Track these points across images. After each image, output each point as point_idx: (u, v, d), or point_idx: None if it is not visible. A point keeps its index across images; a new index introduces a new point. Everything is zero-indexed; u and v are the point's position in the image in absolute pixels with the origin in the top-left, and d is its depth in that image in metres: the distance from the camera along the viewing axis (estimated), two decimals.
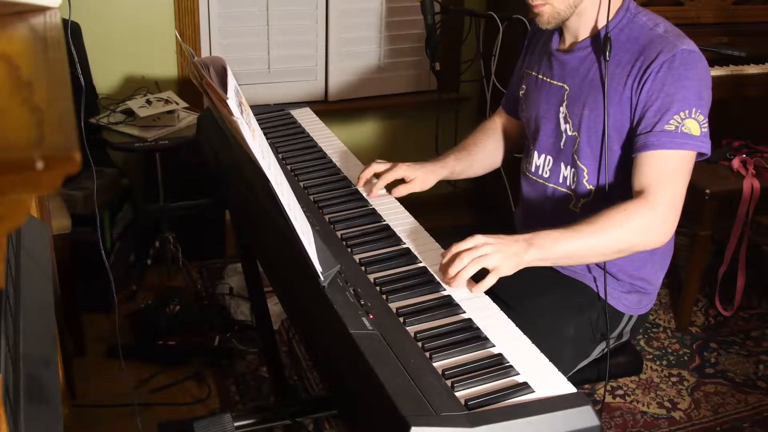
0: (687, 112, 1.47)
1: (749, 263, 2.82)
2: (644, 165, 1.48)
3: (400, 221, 1.53)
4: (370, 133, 3.47)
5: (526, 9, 1.64)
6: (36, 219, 1.34)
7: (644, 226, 1.45)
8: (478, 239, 1.34)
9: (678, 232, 1.58)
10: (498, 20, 2.64)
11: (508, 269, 1.35)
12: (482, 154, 1.88)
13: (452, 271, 1.30)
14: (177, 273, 2.94)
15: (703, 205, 2.58)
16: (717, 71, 2.94)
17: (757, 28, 3.04)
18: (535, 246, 1.38)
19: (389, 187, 1.68)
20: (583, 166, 1.62)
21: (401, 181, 1.72)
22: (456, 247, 1.33)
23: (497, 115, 1.95)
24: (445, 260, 1.33)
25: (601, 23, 1.58)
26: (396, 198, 1.65)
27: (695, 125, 1.47)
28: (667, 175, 1.47)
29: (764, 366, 2.61)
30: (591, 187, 1.63)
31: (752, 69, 2.99)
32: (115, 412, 2.23)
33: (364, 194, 1.64)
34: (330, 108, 3.31)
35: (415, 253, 1.40)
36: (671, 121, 1.47)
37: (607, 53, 1.53)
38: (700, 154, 1.52)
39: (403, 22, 3.35)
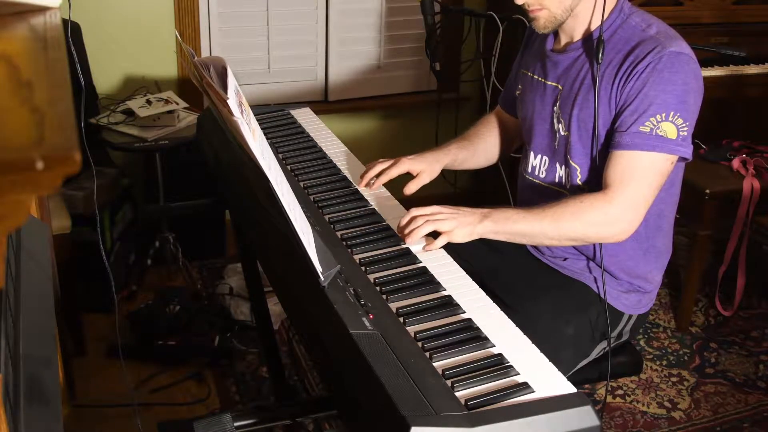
0: (664, 115, 1.47)
1: (749, 263, 2.82)
2: (613, 163, 1.50)
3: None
4: (370, 133, 3.47)
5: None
6: (36, 219, 1.34)
7: (596, 221, 1.48)
8: (436, 207, 1.47)
9: (678, 232, 1.58)
10: (498, 20, 2.64)
11: (461, 236, 1.44)
12: (484, 145, 1.89)
13: (407, 229, 1.43)
14: (177, 273, 2.94)
15: (703, 205, 2.58)
16: (717, 71, 2.94)
17: (757, 28, 3.04)
18: (489, 219, 1.46)
19: (400, 185, 1.68)
20: (576, 166, 1.63)
21: (407, 176, 1.72)
22: (415, 210, 1.46)
23: (495, 112, 1.96)
24: (403, 221, 1.45)
25: (595, 24, 1.59)
26: (406, 195, 1.66)
27: (672, 129, 1.47)
28: (632, 174, 1.47)
29: (764, 366, 2.61)
30: (584, 186, 1.63)
31: (752, 69, 2.99)
32: (115, 412, 2.23)
33: (365, 194, 1.64)
34: (330, 108, 3.31)
35: (415, 253, 1.40)
36: (647, 123, 1.47)
37: (600, 55, 1.53)
38: (683, 159, 1.52)
39: (403, 22, 3.35)
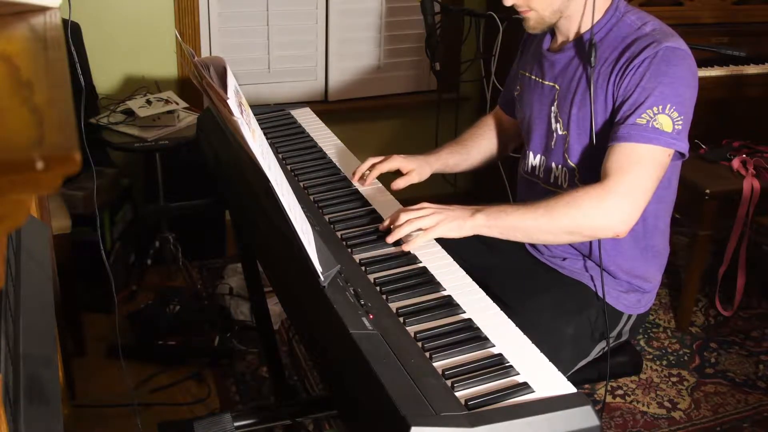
0: (661, 107, 1.46)
1: (749, 263, 2.82)
2: (610, 155, 1.48)
3: None
4: (370, 133, 3.47)
5: None
6: (36, 219, 1.34)
7: (593, 210, 1.43)
8: (423, 205, 1.46)
9: (678, 232, 1.57)
10: (498, 20, 2.64)
11: (447, 231, 1.42)
12: (477, 149, 1.89)
13: (391, 227, 1.42)
14: (177, 273, 2.94)
15: (703, 205, 2.58)
16: (717, 71, 2.94)
17: (757, 28, 3.04)
18: (482, 212, 1.44)
19: (389, 181, 1.68)
20: (573, 166, 1.63)
21: (397, 174, 1.73)
22: (402, 210, 1.45)
23: (494, 113, 1.96)
24: (386, 223, 1.45)
25: (590, 24, 1.59)
26: (396, 191, 1.66)
27: (668, 121, 1.46)
28: (629, 165, 1.45)
29: (764, 366, 2.62)
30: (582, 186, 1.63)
31: (752, 69, 2.99)
32: (115, 412, 2.23)
33: (365, 194, 1.64)
34: (330, 108, 3.31)
35: (415, 253, 1.40)
36: (643, 115, 1.46)
37: (593, 58, 1.53)
38: (680, 155, 1.51)
39: (403, 22, 3.35)
